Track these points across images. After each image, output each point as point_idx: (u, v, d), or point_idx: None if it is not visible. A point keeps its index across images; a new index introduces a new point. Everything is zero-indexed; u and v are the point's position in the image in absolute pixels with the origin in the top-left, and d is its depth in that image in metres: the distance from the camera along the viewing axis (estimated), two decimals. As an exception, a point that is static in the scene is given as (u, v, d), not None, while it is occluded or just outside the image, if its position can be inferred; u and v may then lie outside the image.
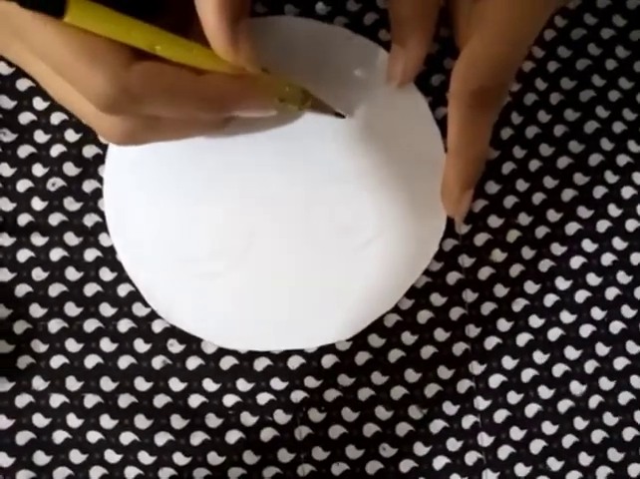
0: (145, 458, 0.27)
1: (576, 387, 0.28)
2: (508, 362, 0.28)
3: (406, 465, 0.28)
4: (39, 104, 0.29)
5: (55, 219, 0.28)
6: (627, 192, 0.30)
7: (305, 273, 0.28)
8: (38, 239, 0.28)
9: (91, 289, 0.28)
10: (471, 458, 0.28)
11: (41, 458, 0.27)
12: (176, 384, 0.28)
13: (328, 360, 0.28)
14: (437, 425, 0.28)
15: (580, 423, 0.28)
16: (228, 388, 0.28)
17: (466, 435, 0.28)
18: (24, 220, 0.28)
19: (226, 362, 0.28)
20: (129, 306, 0.28)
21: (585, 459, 0.28)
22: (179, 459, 0.27)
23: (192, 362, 0.28)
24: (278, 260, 0.28)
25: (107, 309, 0.28)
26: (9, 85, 0.29)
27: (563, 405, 0.28)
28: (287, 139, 0.28)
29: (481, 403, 0.28)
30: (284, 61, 0.28)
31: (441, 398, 0.28)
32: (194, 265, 0.28)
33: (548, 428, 0.28)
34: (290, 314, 0.27)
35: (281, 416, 0.28)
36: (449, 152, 0.26)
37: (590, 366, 0.29)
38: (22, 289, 0.28)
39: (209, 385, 0.28)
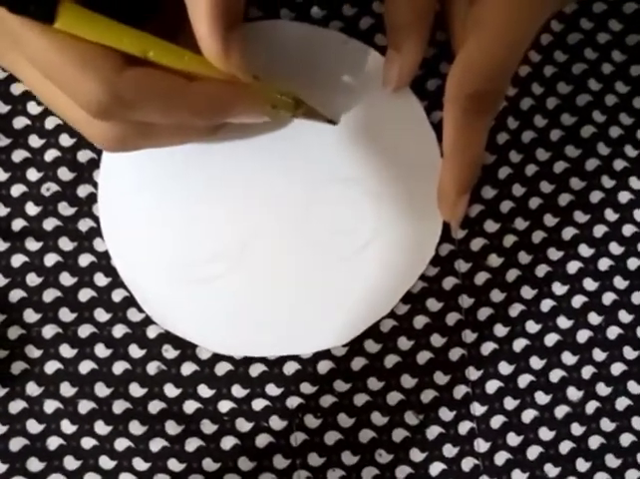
0: (139, 464, 0.27)
1: (573, 393, 0.28)
2: (505, 368, 0.28)
3: (402, 471, 0.28)
4: (33, 108, 0.29)
5: (49, 223, 0.28)
6: (624, 196, 0.30)
7: (301, 279, 0.27)
8: (32, 245, 0.28)
9: (85, 295, 0.28)
10: (467, 464, 0.28)
11: (35, 464, 0.27)
12: (171, 390, 0.28)
13: (324, 366, 0.28)
14: (433, 431, 0.28)
15: (577, 429, 0.28)
16: (223, 394, 0.28)
17: (462, 441, 0.28)
18: (18, 225, 0.28)
19: (221, 368, 0.28)
20: (123, 312, 0.28)
21: (582, 465, 0.28)
22: (174, 465, 0.27)
23: (187, 368, 0.28)
24: (273, 266, 0.27)
25: (101, 315, 0.28)
26: (3, 89, 0.29)
27: (560, 411, 0.28)
28: (283, 143, 0.28)
29: (478, 409, 0.28)
30: (280, 65, 0.28)
31: (437, 404, 0.28)
32: (189, 271, 0.28)
33: (545, 434, 0.28)
34: (285, 320, 0.27)
35: (277, 422, 0.28)
36: (444, 156, 0.26)
37: (587, 372, 0.28)
38: (16, 295, 0.28)
39: (204, 391, 0.28)
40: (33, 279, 0.28)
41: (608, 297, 0.29)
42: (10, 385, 0.27)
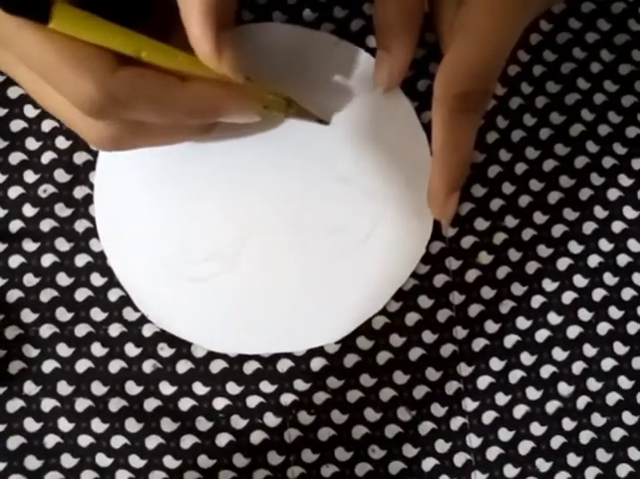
0: (135, 462, 0.28)
1: (564, 388, 0.29)
2: (496, 364, 0.29)
3: (395, 467, 0.28)
4: (30, 111, 0.29)
5: (46, 225, 0.29)
6: (613, 194, 0.30)
7: (293, 276, 0.28)
8: (29, 245, 0.29)
9: (82, 294, 0.28)
10: (459, 459, 0.28)
11: (32, 462, 0.28)
12: (167, 388, 0.28)
13: (317, 363, 0.28)
14: (425, 427, 0.28)
15: (568, 424, 0.28)
16: (218, 391, 0.28)
17: (454, 436, 0.28)
18: (15, 226, 0.29)
19: (216, 366, 0.28)
20: (119, 311, 0.28)
21: (574, 460, 0.28)
22: (170, 462, 0.28)
23: (182, 366, 0.28)
24: (267, 265, 0.28)
25: (97, 314, 0.28)
26: (0, 93, 0.29)
27: (551, 406, 0.28)
28: (278, 142, 0.28)
29: (470, 405, 0.28)
30: (272, 67, 0.28)
31: (429, 400, 0.28)
32: (184, 270, 0.28)
33: (537, 429, 0.28)
34: (279, 318, 0.28)
35: (271, 419, 0.28)
36: (434, 155, 0.26)
37: (578, 367, 0.29)
38: (13, 295, 0.28)
39: (199, 389, 0.28)
40: (30, 280, 0.28)
41: (598, 294, 0.29)
42: (8, 384, 0.28)
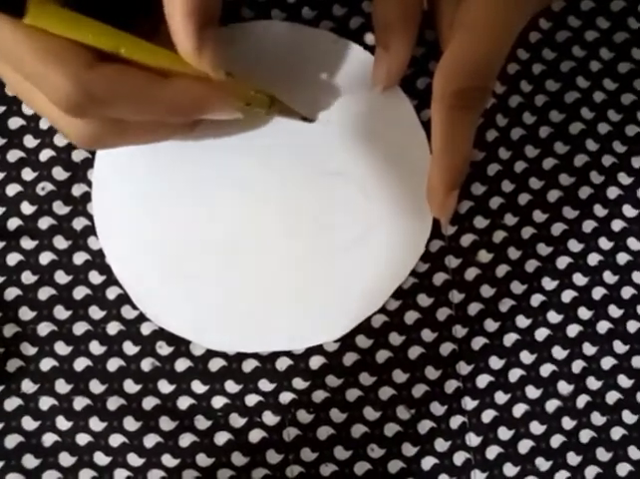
0: (134, 460, 0.27)
1: (564, 387, 0.28)
2: (496, 362, 0.28)
3: (394, 466, 0.28)
4: (28, 109, 0.29)
5: (44, 222, 0.29)
6: (612, 192, 0.30)
7: (292, 275, 0.28)
8: (27, 243, 0.29)
9: (80, 293, 0.28)
10: (459, 458, 0.28)
11: (30, 461, 0.27)
12: (165, 386, 0.28)
13: (316, 361, 0.28)
14: (425, 425, 0.28)
15: (568, 423, 0.28)
16: (217, 390, 0.28)
17: (454, 435, 0.28)
18: (14, 224, 0.29)
19: (215, 364, 0.28)
20: (117, 309, 0.28)
21: (573, 459, 0.28)
22: (168, 461, 0.27)
23: (181, 364, 0.28)
24: (264, 262, 0.28)
25: (96, 312, 0.28)
26: (-2, 91, 0.29)
27: (551, 405, 0.28)
28: (274, 139, 0.28)
29: (469, 403, 0.28)
30: (270, 64, 0.29)
31: (428, 399, 0.28)
32: (183, 268, 0.28)
33: (536, 428, 0.28)
34: (278, 315, 0.28)
35: (270, 418, 0.28)
36: (433, 153, 0.26)
37: (577, 366, 0.29)
38: (11, 293, 0.28)
39: (198, 387, 0.28)
40: (28, 278, 0.28)
41: (598, 292, 0.29)
42: (5, 383, 0.28)
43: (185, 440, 0.28)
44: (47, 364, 0.28)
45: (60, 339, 0.28)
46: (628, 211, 0.30)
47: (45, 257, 0.28)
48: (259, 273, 0.28)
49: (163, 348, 0.28)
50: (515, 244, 0.29)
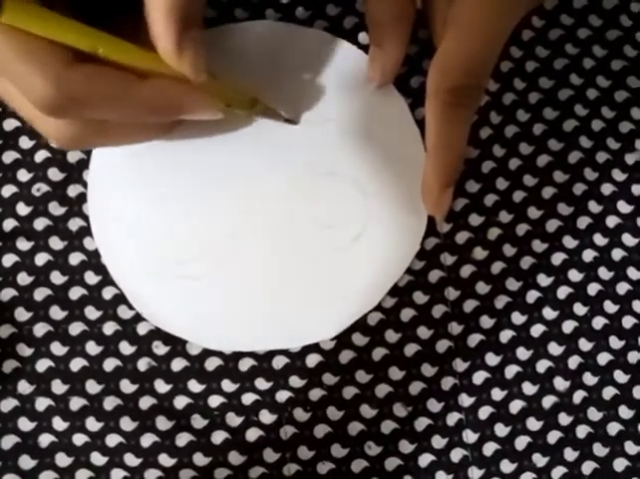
0: (131, 460, 0.27)
1: (560, 383, 0.29)
2: (492, 359, 0.28)
3: (391, 463, 0.28)
4: (23, 110, 0.29)
5: (40, 223, 0.29)
6: (607, 188, 0.30)
7: (288, 273, 0.28)
8: (23, 244, 0.29)
9: (76, 293, 0.28)
10: (456, 455, 0.28)
11: (27, 462, 0.27)
12: (162, 386, 0.28)
13: (312, 360, 0.28)
14: (421, 423, 0.28)
15: (565, 419, 0.28)
16: (213, 389, 0.28)
17: (450, 432, 0.28)
18: (9, 225, 0.29)
19: (211, 363, 0.28)
20: (113, 309, 0.28)
21: (570, 454, 0.28)
22: (165, 460, 0.27)
23: (177, 364, 0.28)
24: (261, 261, 0.28)
25: (92, 312, 0.28)
26: (-7, 92, 0.29)
27: (547, 401, 0.28)
28: (269, 140, 0.28)
29: (466, 400, 0.28)
30: (265, 64, 0.29)
31: (425, 396, 0.28)
32: (178, 267, 0.28)
33: (533, 424, 0.28)
34: (274, 314, 0.28)
35: (266, 416, 0.28)
36: (427, 151, 0.26)
37: (574, 362, 0.29)
38: (7, 294, 0.28)
39: (195, 386, 0.28)
40: (24, 278, 0.28)
41: (593, 288, 0.29)
42: (1, 384, 0.28)
43: (182, 440, 0.28)
44: (43, 365, 0.28)
45: (56, 340, 0.28)
46: (622, 207, 0.30)
47: (41, 258, 0.28)
48: (255, 273, 0.28)
49: (160, 348, 0.28)
50: (511, 241, 0.29)
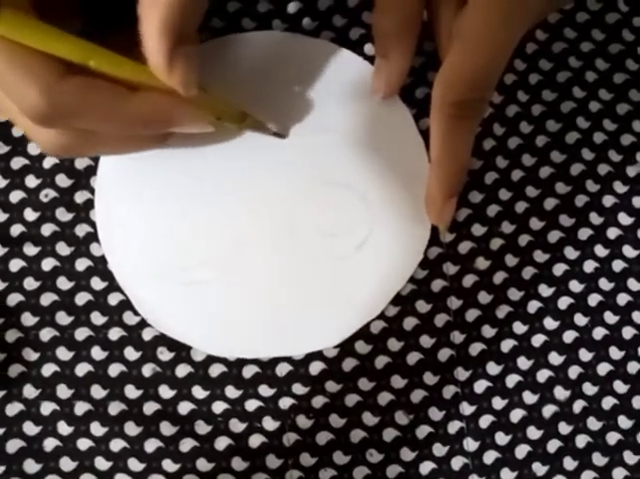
0: (134, 465, 0.28)
1: (560, 392, 0.29)
2: (493, 368, 0.29)
3: (393, 470, 0.28)
4: (32, 117, 0.29)
5: (47, 229, 0.29)
6: (608, 200, 0.30)
7: (292, 281, 0.28)
8: (30, 250, 0.29)
9: (82, 299, 0.29)
10: (457, 463, 0.28)
11: (31, 466, 0.28)
12: (166, 392, 0.28)
13: (315, 367, 0.28)
14: (423, 431, 0.28)
15: (565, 428, 0.29)
16: (217, 395, 0.28)
17: (451, 440, 0.28)
18: (17, 230, 0.29)
19: (215, 370, 0.28)
20: (119, 315, 0.28)
21: (570, 464, 0.28)
22: (169, 466, 0.28)
23: (182, 370, 0.28)
24: (266, 268, 0.28)
25: (97, 318, 0.28)
26: (2, 98, 0.30)
27: (548, 410, 0.29)
28: (275, 148, 0.29)
29: (467, 409, 0.28)
30: (271, 75, 0.29)
31: (427, 404, 0.28)
32: (183, 274, 0.28)
33: (533, 433, 0.28)
34: (278, 321, 0.28)
35: (269, 423, 0.28)
36: (431, 162, 0.26)
37: (574, 372, 0.29)
38: (14, 299, 0.28)
39: (199, 392, 0.28)
40: (31, 284, 0.29)
41: (594, 299, 0.29)
42: (7, 388, 0.28)
43: (186, 445, 0.28)
44: (49, 370, 0.28)
45: (62, 345, 0.28)
46: (623, 219, 0.30)
47: (47, 264, 0.29)
48: (260, 280, 0.28)
49: (164, 354, 0.28)
50: (513, 252, 0.29)
